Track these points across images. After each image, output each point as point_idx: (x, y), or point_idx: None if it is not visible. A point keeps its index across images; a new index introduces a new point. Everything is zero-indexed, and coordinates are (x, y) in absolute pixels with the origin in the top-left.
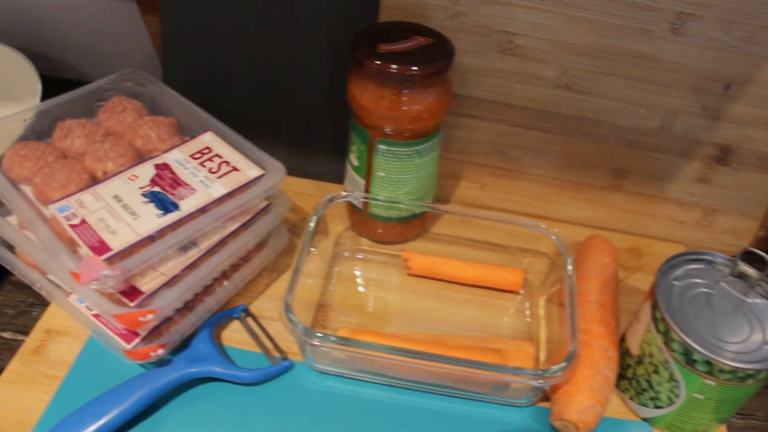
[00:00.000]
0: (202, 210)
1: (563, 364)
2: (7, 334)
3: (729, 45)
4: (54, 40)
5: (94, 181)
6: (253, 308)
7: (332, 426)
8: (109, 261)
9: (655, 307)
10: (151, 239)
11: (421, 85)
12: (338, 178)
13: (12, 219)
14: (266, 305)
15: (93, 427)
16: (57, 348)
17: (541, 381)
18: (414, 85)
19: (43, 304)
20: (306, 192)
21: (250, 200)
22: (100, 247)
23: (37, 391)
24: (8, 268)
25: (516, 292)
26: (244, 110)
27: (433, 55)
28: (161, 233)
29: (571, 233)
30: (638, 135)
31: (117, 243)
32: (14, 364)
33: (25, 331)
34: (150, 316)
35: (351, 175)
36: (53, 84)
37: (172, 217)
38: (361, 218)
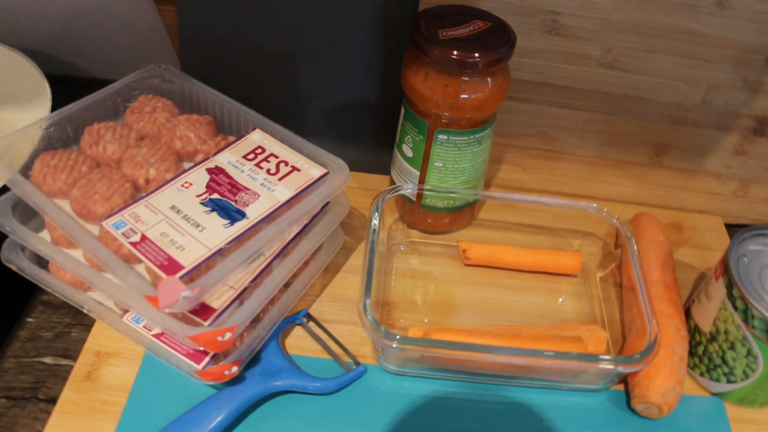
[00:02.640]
0: (270, 216)
1: (647, 349)
2: (48, 360)
3: None
4: (58, 36)
5: (137, 190)
6: (313, 312)
7: (413, 427)
8: (184, 281)
9: (731, 285)
10: (221, 252)
11: (485, 73)
12: (373, 168)
13: (44, 235)
14: (326, 308)
15: None
16: (111, 372)
17: (628, 367)
18: (477, 72)
19: (82, 324)
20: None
21: (319, 201)
22: (170, 266)
23: (98, 420)
24: (44, 287)
25: (573, 276)
26: (271, 101)
27: (495, 41)
28: (234, 245)
29: (613, 211)
30: (679, 110)
31: (188, 260)
32: (68, 393)
33: (68, 355)
34: (229, 335)
35: (402, 166)
36: (62, 84)
37: (240, 226)
38: (412, 210)
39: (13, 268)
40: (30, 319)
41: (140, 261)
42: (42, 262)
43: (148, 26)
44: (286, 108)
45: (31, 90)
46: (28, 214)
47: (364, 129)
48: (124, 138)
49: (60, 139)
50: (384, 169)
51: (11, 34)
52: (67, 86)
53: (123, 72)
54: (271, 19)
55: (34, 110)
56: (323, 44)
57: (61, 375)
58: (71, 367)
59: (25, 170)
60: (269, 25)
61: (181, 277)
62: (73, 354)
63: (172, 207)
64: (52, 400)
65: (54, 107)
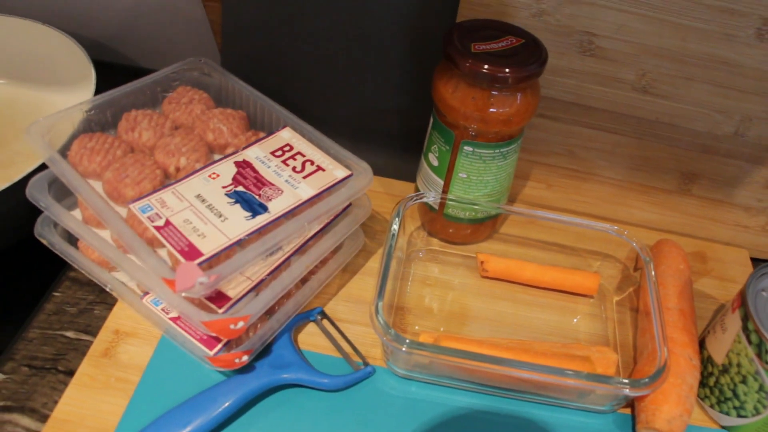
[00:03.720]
0: (291, 212)
1: (656, 374)
2: (70, 333)
3: None
4: (106, 24)
5: (167, 177)
6: (328, 310)
7: (416, 431)
8: (202, 267)
9: (746, 318)
10: (240, 243)
11: (514, 88)
12: (400, 174)
13: (76, 213)
14: (341, 307)
15: None
16: (127, 350)
17: (635, 390)
18: (507, 87)
19: (105, 302)
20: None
21: (340, 202)
22: (190, 252)
23: (111, 395)
24: (72, 264)
25: (590, 296)
26: (306, 102)
27: (527, 58)
28: (253, 237)
29: (634, 235)
30: (711, 140)
31: (208, 247)
32: (85, 367)
33: (89, 331)
34: (241, 324)
35: (428, 174)
36: (106, 69)
37: (261, 219)
38: (434, 218)
39: (45, 242)
40: (56, 294)
41: (163, 245)
42: (72, 240)
43: (193, 20)
44: (318, 108)
45: (77, 74)
46: (63, 193)
47: (393, 135)
48: (160, 126)
49: (99, 122)
50: (410, 176)
51: (64, 18)
52: (111, 72)
53: (166, 63)
54: (311, 22)
55: (78, 93)
56: (359, 50)
57: (81, 350)
58: (91, 342)
59: (64, 150)
60: (308, 28)
61: (200, 264)
62: (93, 330)
63: (198, 196)
64: (71, 373)
65: (97, 92)
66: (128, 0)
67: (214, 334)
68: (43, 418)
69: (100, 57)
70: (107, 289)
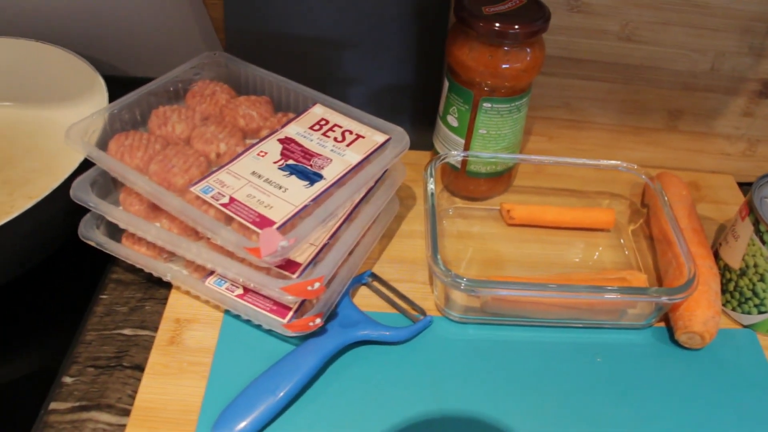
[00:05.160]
0: (345, 177)
1: (688, 282)
2: (127, 331)
3: None
4: (108, 39)
5: (210, 163)
6: (376, 273)
7: (479, 369)
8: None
9: (757, 222)
10: (306, 209)
11: (524, 44)
12: (411, 145)
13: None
14: (386, 269)
15: (269, 403)
16: (192, 336)
17: (674, 297)
18: (518, 43)
19: (154, 297)
20: None
21: (385, 165)
22: (261, 222)
23: (188, 379)
24: (124, 259)
25: (607, 230)
26: (312, 86)
27: (532, 15)
28: (312, 205)
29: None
30: (691, 77)
31: (277, 215)
32: (155, 356)
33: (145, 326)
34: (317, 285)
35: (447, 135)
36: (113, 83)
37: (320, 186)
38: (457, 177)
39: (92, 243)
40: (103, 296)
41: (227, 223)
42: (116, 239)
43: (195, 20)
44: (326, 92)
45: (86, 89)
46: (103, 194)
47: (401, 109)
48: (190, 118)
49: (129, 122)
50: (421, 146)
51: (59, 36)
52: (119, 86)
53: (172, 69)
54: (310, 8)
55: (90, 107)
56: (360, 29)
57: (142, 344)
58: (150, 336)
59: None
60: (309, 14)
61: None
62: (149, 325)
63: (253, 173)
64: (137, 367)
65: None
66: (129, 10)
67: (291, 298)
68: (122, 412)
69: (104, 72)
70: (166, 279)
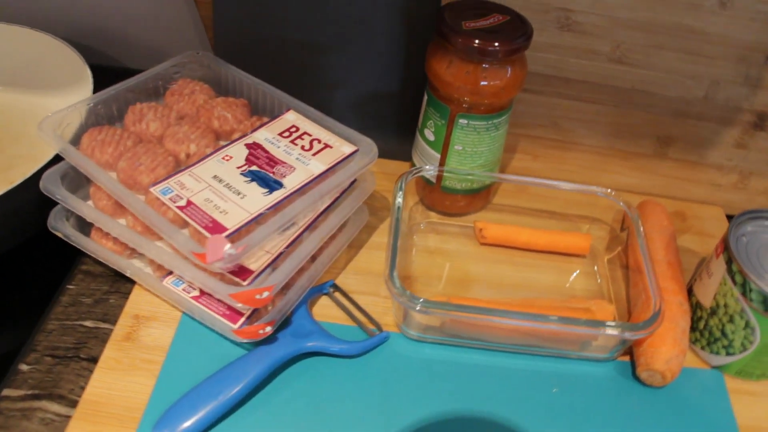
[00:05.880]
0: (305, 186)
1: (652, 317)
2: (88, 323)
3: None
4: (98, 28)
5: (177, 163)
6: (338, 283)
7: (433, 390)
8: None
9: (730, 261)
10: (261, 217)
11: (504, 61)
12: (394, 155)
13: (90, 204)
14: (350, 280)
15: (212, 405)
16: (149, 333)
17: (636, 333)
18: (497, 60)
19: (119, 291)
20: None
21: (349, 176)
22: (214, 227)
23: (139, 376)
24: (89, 253)
25: (582, 256)
26: (298, 89)
27: (513, 33)
28: (270, 212)
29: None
30: (683, 104)
31: (231, 222)
32: (109, 351)
33: (107, 319)
34: (266, 293)
35: (424, 149)
36: (100, 72)
37: (278, 194)
38: (432, 191)
39: (60, 235)
40: (71, 287)
41: (185, 226)
42: (85, 232)
43: (184, 17)
44: (312, 96)
45: (72, 77)
46: (74, 187)
47: (386, 118)
48: (165, 117)
49: (105, 116)
50: (404, 156)
51: (55, 24)
52: (106, 75)
53: (159, 62)
54: (300, 11)
55: (75, 96)
56: (349, 36)
57: (101, 337)
58: (110, 330)
59: (74, 144)
60: (298, 17)
61: (227, 236)
62: (111, 319)
63: (215, 177)
64: (93, 360)
65: (95, 93)
66: (119, 3)
67: (240, 305)
68: (72, 403)
69: (92, 61)
70: (127, 274)
